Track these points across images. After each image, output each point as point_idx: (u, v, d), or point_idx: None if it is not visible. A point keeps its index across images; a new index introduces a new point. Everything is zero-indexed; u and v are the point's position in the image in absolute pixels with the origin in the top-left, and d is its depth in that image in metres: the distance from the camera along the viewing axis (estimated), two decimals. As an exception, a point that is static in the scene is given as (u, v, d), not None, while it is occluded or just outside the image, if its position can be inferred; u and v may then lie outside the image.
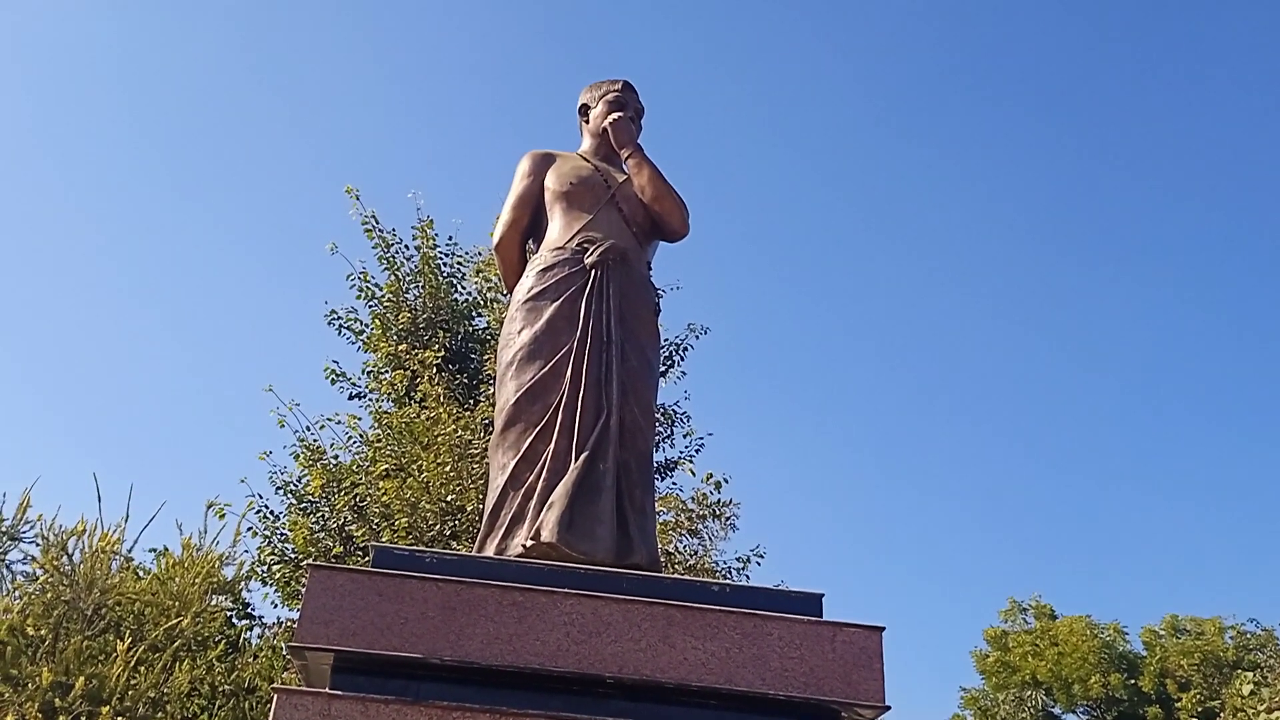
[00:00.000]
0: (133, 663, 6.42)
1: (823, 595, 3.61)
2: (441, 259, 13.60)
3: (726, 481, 11.79)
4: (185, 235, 48.66)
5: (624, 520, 4.02)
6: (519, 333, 4.42)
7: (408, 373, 11.66)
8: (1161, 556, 45.23)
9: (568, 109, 5.23)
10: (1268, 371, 47.77)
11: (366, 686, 3.09)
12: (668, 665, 3.25)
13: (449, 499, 9.72)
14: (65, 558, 7.05)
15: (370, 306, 13.22)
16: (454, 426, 10.22)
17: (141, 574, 8.04)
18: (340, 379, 13.10)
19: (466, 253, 13.75)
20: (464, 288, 13.70)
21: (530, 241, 4.93)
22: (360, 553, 9.86)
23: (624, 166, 4.86)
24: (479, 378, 12.34)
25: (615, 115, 4.89)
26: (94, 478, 8.19)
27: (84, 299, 50.18)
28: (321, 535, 10.56)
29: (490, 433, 4.44)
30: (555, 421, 4.13)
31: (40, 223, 48.17)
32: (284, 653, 8.52)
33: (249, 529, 10.51)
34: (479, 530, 4.18)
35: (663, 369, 12.43)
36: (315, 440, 11.51)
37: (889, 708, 3.35)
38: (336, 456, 11.46)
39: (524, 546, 3.87)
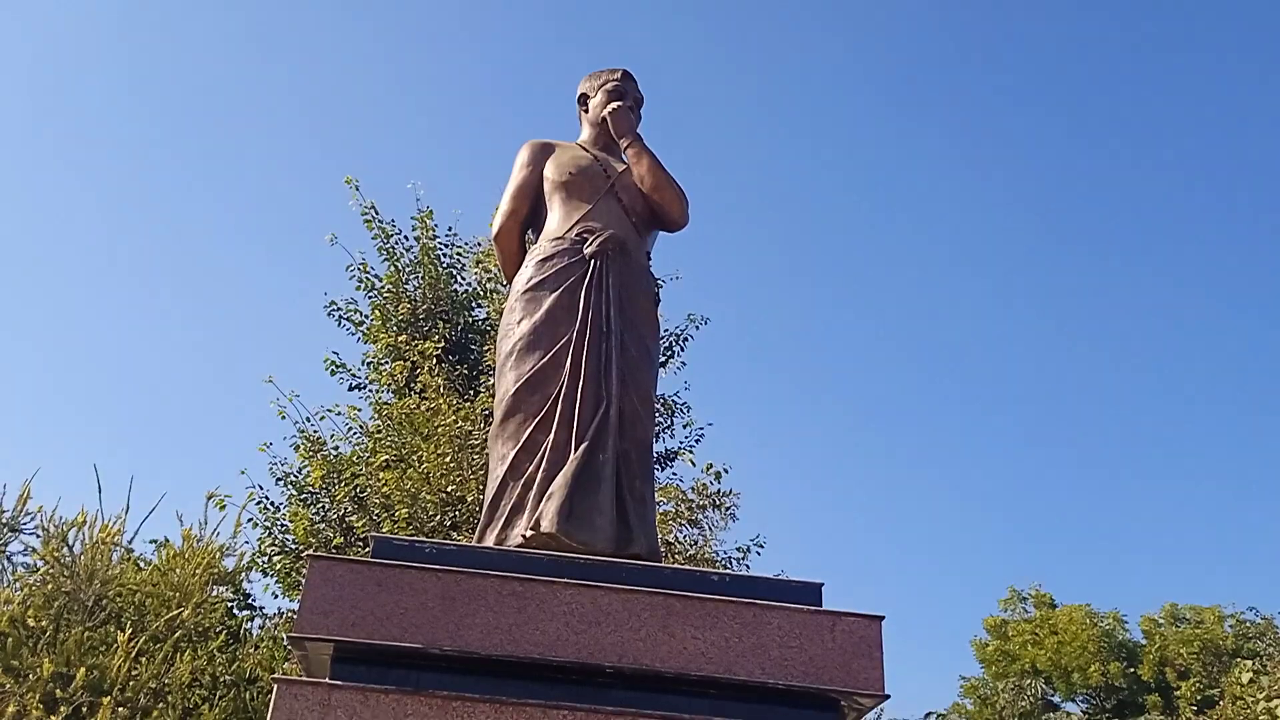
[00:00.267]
0: (134, 653, 6.43)
1: (822, 585, 3.61)
2: (441, 250, 13.58)
3: (726, 472, 11.81)
4: (185, 226, 48.64)
5: (624, 510, 4.02)
6: (518, 323, 4.41)
7: (408, 364, 11.66)
8: (1161, 546, 45.31)
9: (567, 98, 5.22)
10: (1268, 360, 47.79)
11: (366, 676, 3.10)
12: (667, 655, 3.25)
13: (449, 490, 9.73)
14: (66, 549, 7.06)
15: (370, 297, 13.21)
16: (454, 417, 10.22)
17: (142, 565, 8.04)
18: (340, 370, 13.10)
19: (466, 243, 13.74)
20: (464, 278, 13.69)
21: (529, 232, 4.92)
22: (361, 543, 9.87)
23: (623, 156, 4.84)
24: (479, 368, 12.34)
25: (614, 104, 4.88)
26: (94, 469, 8.20)
27: (84, 290, 50.18)
28: (322, 526, 10.57)
29: (490, 423, 4.43)
30: (555, 412, 4.13)
31: (41, 214, 48.13)
32: (285, 643, 8.54)
33: (249, 520, 10.53)
34: (479, 521, 4.18)
35: (662, 359, 12.42)
36: (315, 431, 11.52)
37: (888, 696, 3.36)
38: (337, 448, 11.47)
39: (524, 537, 3.87)
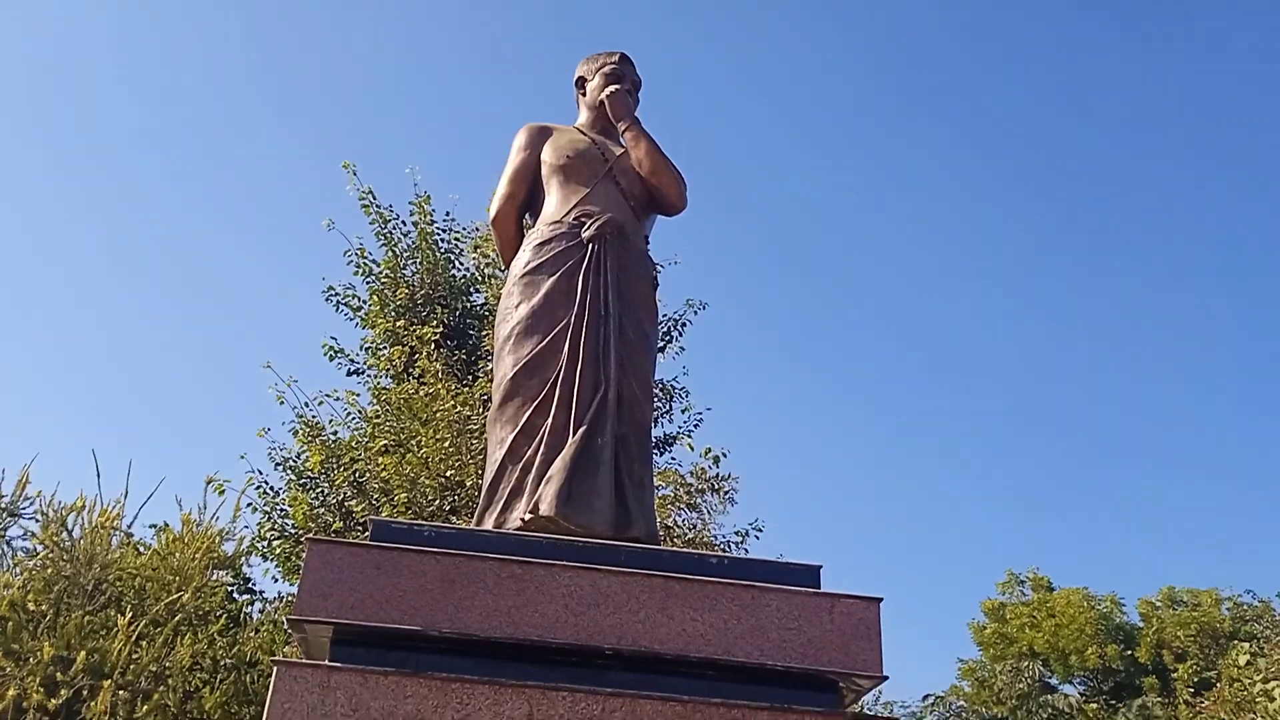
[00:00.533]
0: (134, 637, 6.45)
1: (820, 567, 3.62)
2: (439, 235, 13.56)
3: (725, 456, 11.83)
4: (182, 211, 48.52)
5: (622, 493, 4.03)
6: (516, 307, 4.41)
7: (406, 349, 11.66)
8: (1159, 529, 45.40)
9: (565, 82, 5.20)
10: (1266, 343, 47.82)
11: (365, 659, 3.11)
12: (666, 636, 3.26)
13: (448, 474, 9.74)
14: (65, 533, 7.07)
15: (368, 283, 13.20)
16: (452, 402, 10.23)
17: (141, 550, 8.06)
18: (339, 355, 13.10)
19: (464, 228, 13.72)
20: (461, 264, 13.68)
21: (527, 215, 4.91)
22: (360, 528, 9.89)
23: (621, 139, 4.83)
24: (477, 353, 12.34)
25: (612, 88, 4.86)
26: (93, 454, 8.21)
27: (81, 276, 50.10)
28: (321, 511, 10.60)
29: (489, 408, 4.44)
30: (553, 396, 4.13)
31: (36, 201, 48.01)
32: (285, 627, 8.57)
33: (249, 505, 10.55)
34: (478, 505, 4.19)
35: (661, 344, 12.45)
36: (314, 416, 11.54)
37: (886, 678, 3.37)
38: (336, 433, 11.49)
39: (522, 520, 3.88)
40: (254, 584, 11.18)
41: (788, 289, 56.45)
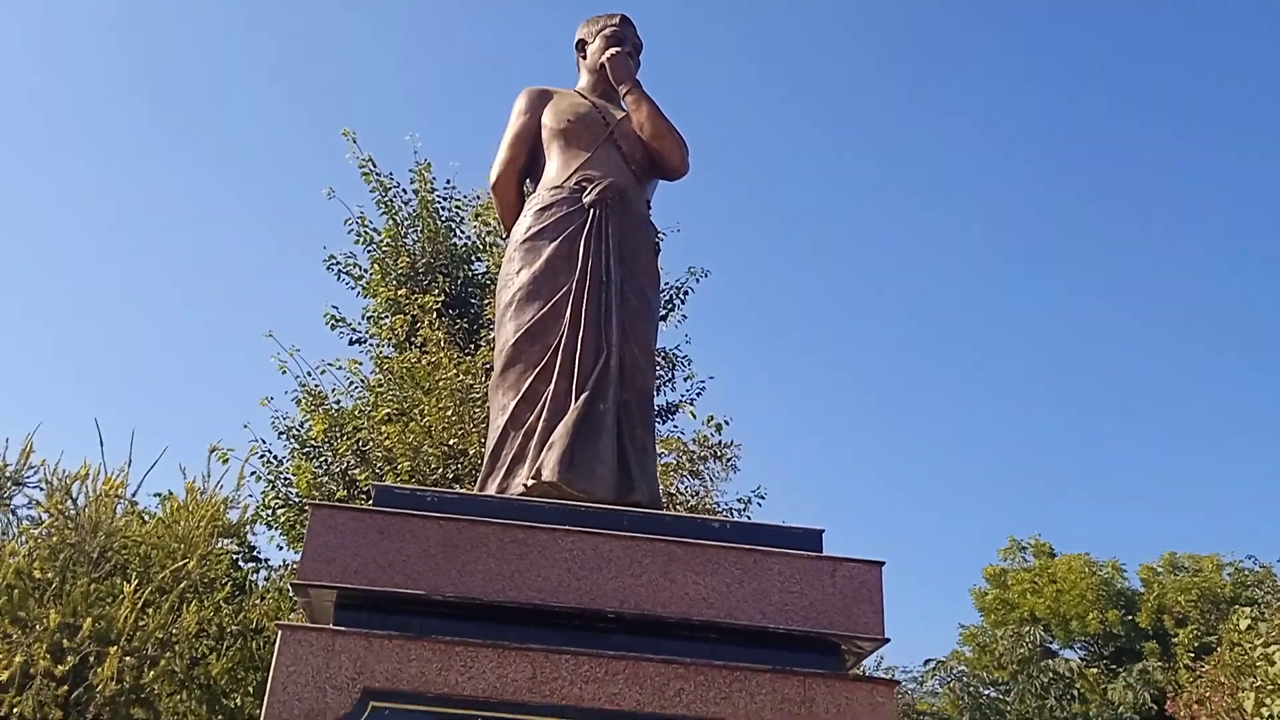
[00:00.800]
0: (140, 604, 6.49)
1: (822, 531, 3.62)
2: (440, 203, 13.51)
3: (727, 424, 11.84)
4: (184, 180, 48.38)
5: (625, 459, 4.02)
6: (517, 273, 4.38)
7: (408, 317, 11.65)
8: (1161, 495, 45.52)
9: (566, 45, 5.14)
10: (1269, 310, 47.68)
11: (369, 622, 3.12)
12: (669, 600, 3.27)
13: (451, 443, 9.76)
14: (70, 502, 7.09)
15: (369, 251, 13.16)
16: (455, 371, 10.23)
17: (146, 518, 8.09)
18: (340, 324, 13.09)
19: (465, 196, 13.67)
20: (463, 232, 13.63)
21: (528, 180, 4.88)
22: (364, 496, 9.92)
23: (622, 103, 4.78)
24: (479, 322, 12.32)
25: (613, 50, 4.80)
26: (95, 423, 8.23)
27: (83, 246, 50.03)
28: (325, 479, 10.63)
29: (491, 377, 4.43)
30: (555, 362, 4.11)
31: (39, 171, 47.85)
32: (290, 594, 8.62)
33: (252, 474, 10.59)
34: (480, 472, 4.19)
35: (663, 313, 12.42)
36: (317, 385, 11.54)
37: (888, 640, 3.38)
38: (338, 402, 11.50)
39: (525, 486, 3.88)
40: (259, 552, 11.25)
41: (789, 257, 56.32)
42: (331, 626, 3.14)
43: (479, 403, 9.73)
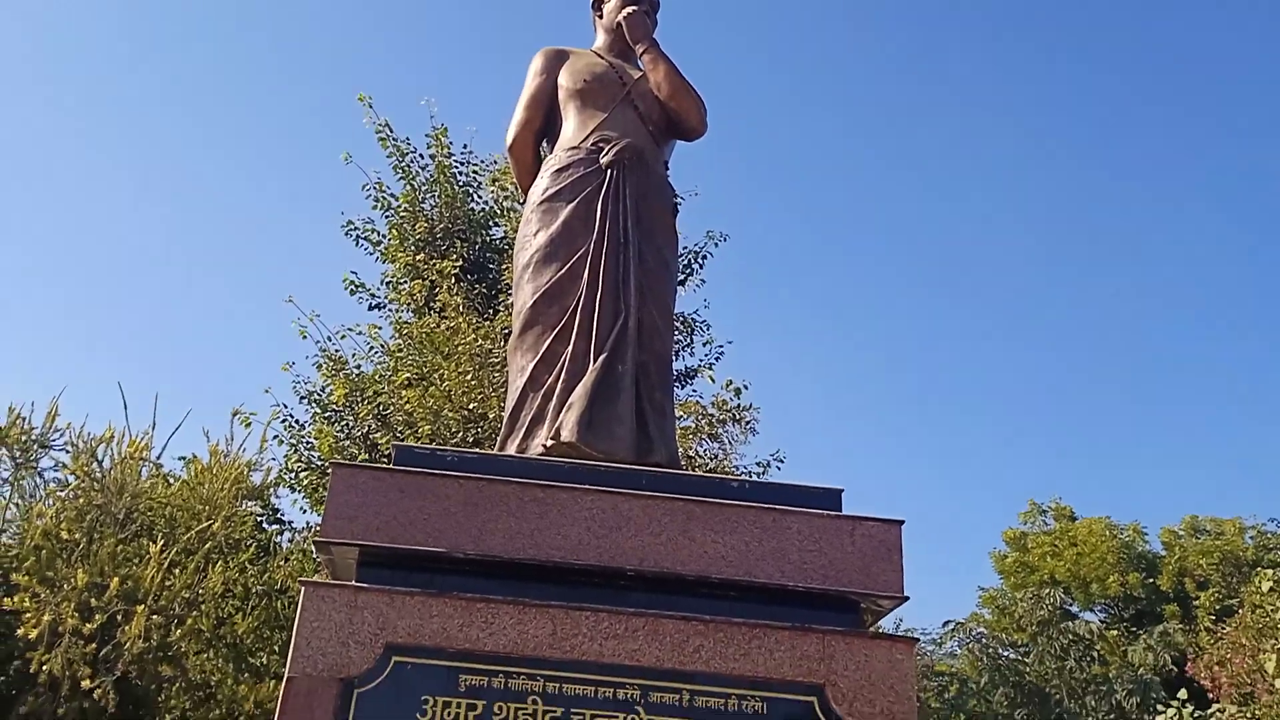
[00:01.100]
0: (166, 565, 6.57)
1: (842, 490, 3.62)
2: (457, 168, 13.46)
3: (746, 388, 11.83)
4: (204, 145, 48.44)
5: (643, 420, 4.03)
6: (535, 235, 4.37)
7: (426, 282, 11.66)
8: (1183, 459, 45.28)
9: (582, 5, 5.09)
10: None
11: (391, 580, 3.15)
12: (688, 558, 3.28)
13: (470, 407, 9.79)
14: (95, 464, 7.18)
15: (387, 217, 13.15)
16: (474, 336, 10.25)
17: (170, 481, 8.18)
18: (359, 290, 13.12)
19: (482, 161, 13.61)
20: (480, 197, 13.59)
21: (545, 141, 4.85)
22: (386, 460, 9.96)
23: (639, 62, 4.74)
24: (497, 287, 12.32)
25: (630, 9, 4.75)
26: (119, 387, 8.31)
27: (105, 212, 50.26)
28: (347, 443, 10.69)
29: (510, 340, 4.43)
30: (573, 323, 4.11)
31: (61, 137, 48.00)
32: (314, 555, 8.72)
33: (275, 437, 10.67)
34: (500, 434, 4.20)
35: (682, 277, 12.38)
36: (337, 350, 11.60)
37: (907, 598, 3.38)
38: (359, 366, 11.55)
39: (544, 446, 3.89)
40: (283, 514, 11.36)
41: (808, 220, 55.96)
42: (354, 583, 3.17)
43: (498, 367, 9.75)
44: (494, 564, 3.21)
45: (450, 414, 9.72)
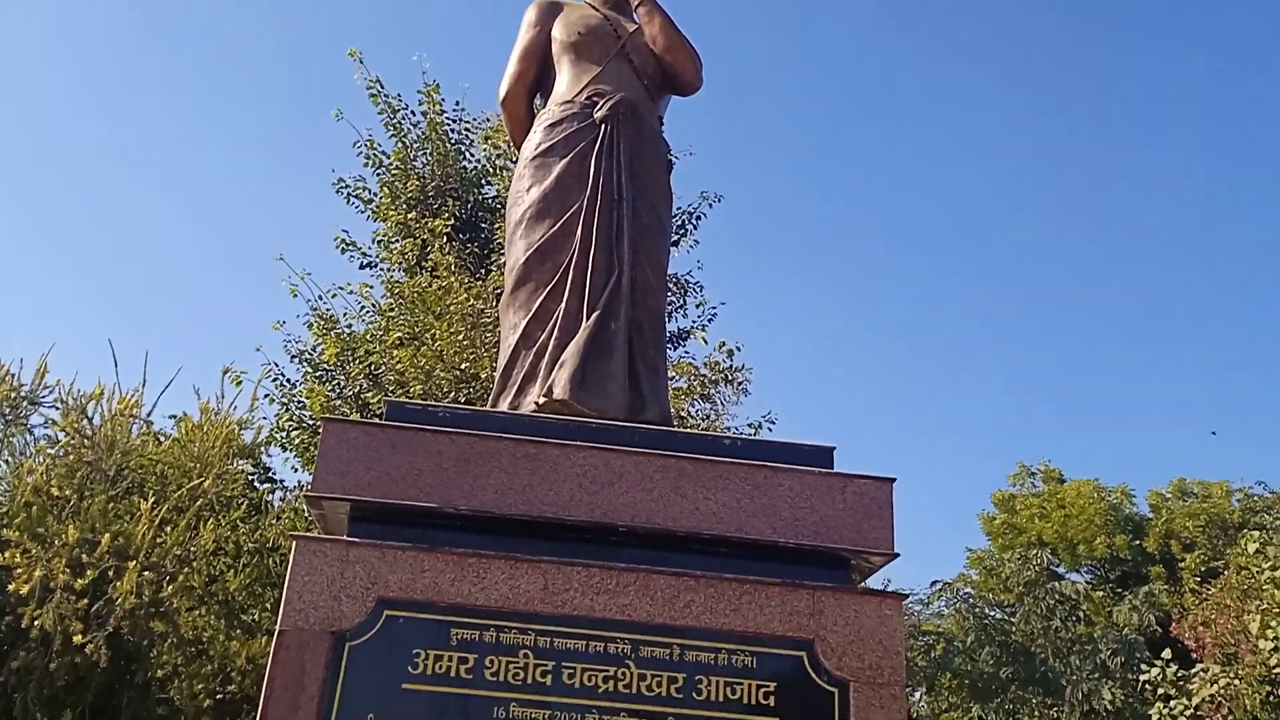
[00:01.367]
0: (157, 522, 6.58)
1: (834, 448, 3.62)
2: (449, 125, 13.33)
3: (739, 350, 11.82)
4: (192, 102, 47.94)
5: (636, 378, 4.02)
6: (528, 190, 4.33)
7: (418, 241, 11.58)
8: (1173, 423, 45.52)
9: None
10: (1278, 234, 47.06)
11: (383, 534, 3.15)
12: (679, 514, 3.29)
13: (463, 367, 9.77)
14: (85, 421, 7.15)
15: (378, 174, 13.04)
16: (466, 295, 10.20)
17: (161, 439, 8.17)
18: (350, 248, 13.03)
19: (474, 119, 13.48)
20: (472, 155, 13.48)
21: (538, 96, 4.80)
22: (377, 419, 9.97)
23: (634, 15, 4.68)
24: (489, 247, 12.25)
25: (625, -40, 4.68)
26: (109, 344, 8.28)
27: (94, 168, 49.82)
28: (338, 403, 10.68)
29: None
30: (566, 280, 4.09)
31: (51, 93, 47.46)
32: (306, 513, 8.73)
33: (266, 396, 10.65)
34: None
35: (675, 238, 12.33)
36: (328, 309, 11.54)
37: (898, 555, 3.39)
38: (350, 326, 11.50)
39: (537, 404, 3.88)
40: (274, 473, 11.36)
41: (801, 181, 55.76)
42: (346, 538, 3.17)
43: (490, 327, 9.72)
44: (486, 519, 3.21)
45: (442, 374, 9.71)
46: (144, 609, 6.27)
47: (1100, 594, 22.48)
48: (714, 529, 3.30)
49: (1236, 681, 12.45)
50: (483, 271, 11.44)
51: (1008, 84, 53.15)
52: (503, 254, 8.85)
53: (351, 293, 11.75)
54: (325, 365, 11.20)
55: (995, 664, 17.21)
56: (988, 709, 17.64)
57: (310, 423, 10.74)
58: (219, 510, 7.62)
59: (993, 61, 53.21)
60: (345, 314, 11.65)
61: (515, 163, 4.76)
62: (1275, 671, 12.06)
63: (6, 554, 6.14)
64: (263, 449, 9.98)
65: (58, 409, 7.24)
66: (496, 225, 11.93)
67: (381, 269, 12.87)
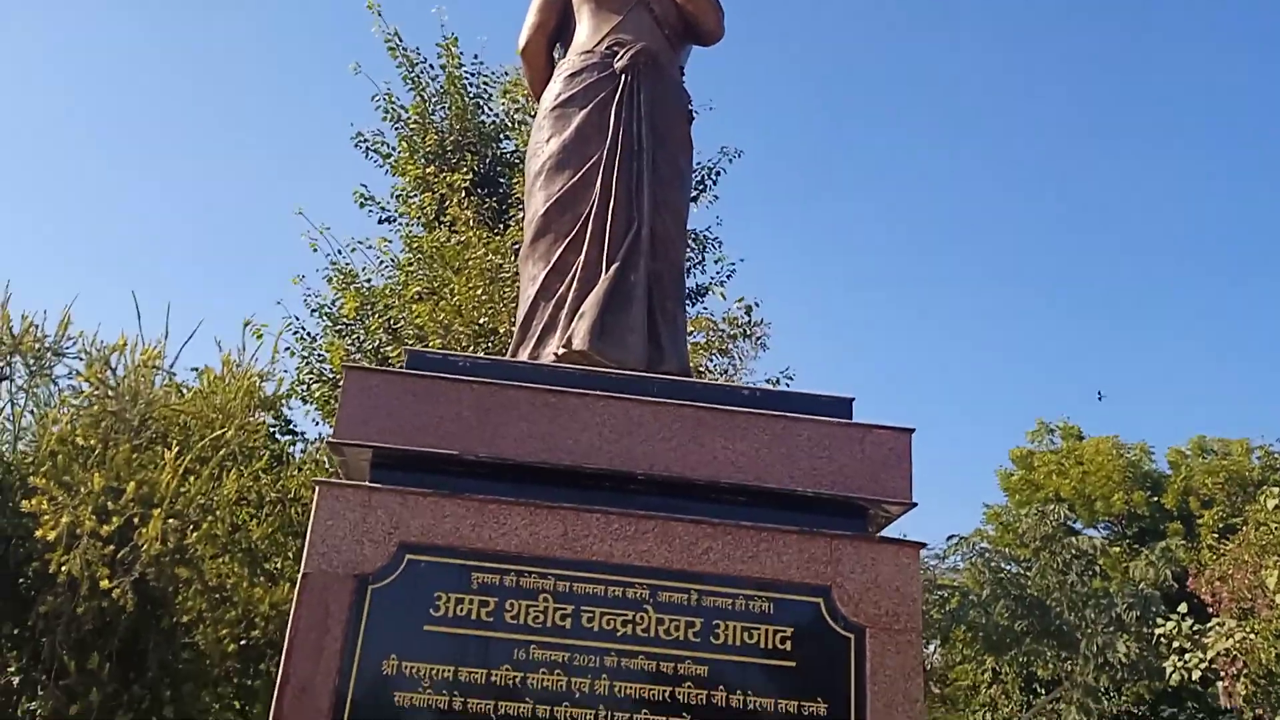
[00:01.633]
0: (181, 471, 6.67)
1: (853, 399, 3.63)
2: (468, 79, 13.27)
3: (757, 305, 11.82)
4: (212, 54, 47.80)
5: (655, 330, 4.03)
6: (547, 141, 4.32)
7: (436, 196, 11.58)
8: (1193, 380, 45.23)
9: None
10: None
11: (404, 481, 3.18)
12: (698, 463, 3.31)
13: (481, 321, 9.81)
14: (109, 372, 7.23)
15: (396, 129, 13.01)
16: (484, 250, 10.21)
17: (184, 391, 8.27)
18: (369, 203, 13.05)
19: (493, 73, 13.41)
20: (491, 109, 13.42)
21: (558, 46, 4.77)
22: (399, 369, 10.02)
23: (655, -36, 4.61)
24: (508, 201, 12.24)
25: (646, -94, 4.61)
26: (133, 296, 8.34)
27: (117, 122, 49.85)
28: (358, 357, 10.75)
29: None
30: (585, 232, 4.09)
31: (72, 48, 47.40)
32: (327, 464, 8.82)
33: (286, 349, 10.73)
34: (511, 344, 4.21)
35: (695, 192, 12.27)
36: (348, 264, 11.60)
37: (915, 504, 3.41)
38: (369, 280, 11.56)
39: (556, 355, 3.90)
40: (295, 426, 11.48)
41: (822, 136, 55.23)
42: (368, 483, 3.21)
43: (508, 282, 9.74)
44: (506, 467, 3.25)
45: (461, 328, 9.75)
46: (169, 555, 6.38)
47: (1117, 549, 22.49)
48: (732, 477, 3.32)
49: (1252, 635, 12.50)
50: (501, 226, 11.45)
51: (1041, 35, 52.32)
52: (521, 209, 8.84)
53: (370, 247, 11.81)
54: (345, 319, 11.27)
55: (1010, 617, 17.27)
56: (1002, 661, 17.76)
57: (330, 376, 10.83)
58: (241, 461, 7.71)
59: (1032, 14, 52.35)
60: (364, 269, 11.72)
61: (534, 116, 4.74)
62: (1291, 626, 12.09)
63: (34, 500, 6.24)
64: (284, 401, 10.08)
65: (81, 360, 7.32)
66: (515, 180, 11.91)
67: (400, 223, 12.90)
